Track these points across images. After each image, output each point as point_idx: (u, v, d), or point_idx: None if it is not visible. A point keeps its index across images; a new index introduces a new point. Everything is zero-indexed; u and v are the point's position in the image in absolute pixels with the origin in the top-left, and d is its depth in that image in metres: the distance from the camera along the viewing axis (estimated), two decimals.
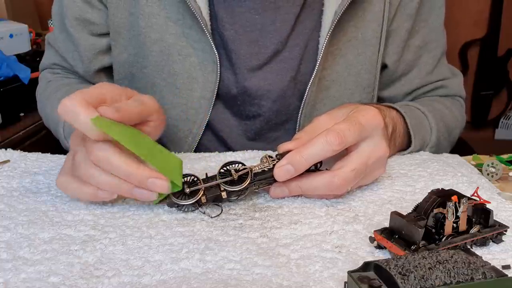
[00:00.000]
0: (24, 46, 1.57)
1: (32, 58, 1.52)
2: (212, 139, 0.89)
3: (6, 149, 0.75)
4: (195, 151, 0.86)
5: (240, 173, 0.57)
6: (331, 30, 0.78)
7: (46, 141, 0.87)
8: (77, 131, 0.57)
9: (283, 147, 0.59)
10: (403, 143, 0.77)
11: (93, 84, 0.88)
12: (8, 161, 0.70)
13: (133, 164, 0.53)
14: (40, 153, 0.74)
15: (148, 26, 0.81)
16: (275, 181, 0.58)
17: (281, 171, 0.56)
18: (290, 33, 0.82)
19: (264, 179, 0.58)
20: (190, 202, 0.56)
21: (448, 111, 0.89)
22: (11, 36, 1.53)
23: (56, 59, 0.93)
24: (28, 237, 0.51)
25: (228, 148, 0.88)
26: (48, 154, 0.74)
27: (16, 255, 0.48)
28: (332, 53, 0.82)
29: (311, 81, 0.80)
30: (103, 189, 0.55)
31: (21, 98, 1.35)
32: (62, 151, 0.81)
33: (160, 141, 0.89)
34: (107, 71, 0.91)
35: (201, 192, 0.56)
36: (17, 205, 0.58)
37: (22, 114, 1.38)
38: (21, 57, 1.50)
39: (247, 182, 0.57)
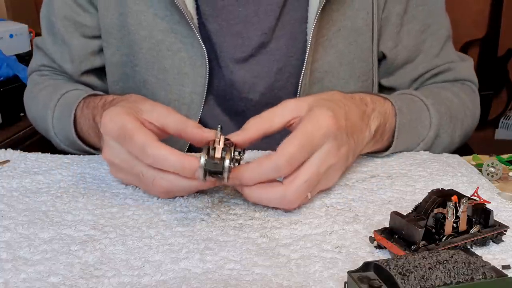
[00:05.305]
0: (24, 46, 1.58)
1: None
2: None
3: (6, 149, 0.75)
4: (189, 148, 0.86)
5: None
6: (316, 19, 0.77)
7: (46, 141, 0.87)
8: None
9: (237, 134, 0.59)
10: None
11: (81, 83, 0.89)
12: (8, 161, 0.70)
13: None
14: (40, 153, 0.74)
15: (137, 24, 0.81)
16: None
17: (230, 181, 0.55)
18: (276, 24, 0.81)
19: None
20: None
21: (458, 99, 0.85)
22: (11, 36, 1.53)
23: (44, 60, 0.93)
24: (28, 237, 0.51)
25: None
26: (48, 154, 0.74)
27: (16, 255, 0.48)
28: (322, 44, 0.82)
29: (302, 74, 0.80)
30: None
31: (21, 98, 1.35)
32: (62, 151, 0.81)
33: None
34: (96, 72, 0.91)
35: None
36: (17, 205, 0.58)
37: (22, 114, 1.37)
38: (21, 57, 1.50)
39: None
